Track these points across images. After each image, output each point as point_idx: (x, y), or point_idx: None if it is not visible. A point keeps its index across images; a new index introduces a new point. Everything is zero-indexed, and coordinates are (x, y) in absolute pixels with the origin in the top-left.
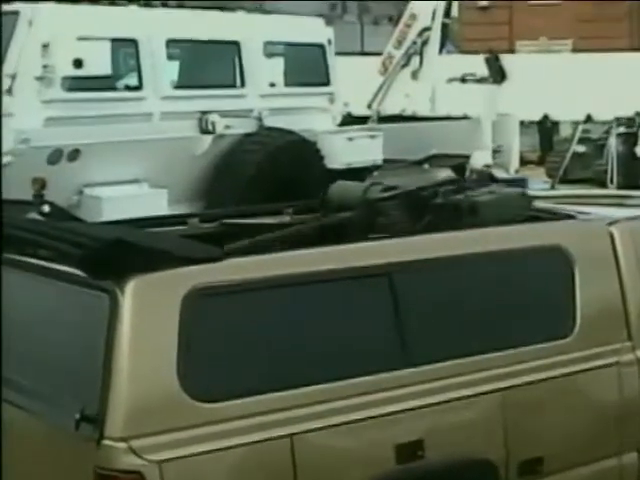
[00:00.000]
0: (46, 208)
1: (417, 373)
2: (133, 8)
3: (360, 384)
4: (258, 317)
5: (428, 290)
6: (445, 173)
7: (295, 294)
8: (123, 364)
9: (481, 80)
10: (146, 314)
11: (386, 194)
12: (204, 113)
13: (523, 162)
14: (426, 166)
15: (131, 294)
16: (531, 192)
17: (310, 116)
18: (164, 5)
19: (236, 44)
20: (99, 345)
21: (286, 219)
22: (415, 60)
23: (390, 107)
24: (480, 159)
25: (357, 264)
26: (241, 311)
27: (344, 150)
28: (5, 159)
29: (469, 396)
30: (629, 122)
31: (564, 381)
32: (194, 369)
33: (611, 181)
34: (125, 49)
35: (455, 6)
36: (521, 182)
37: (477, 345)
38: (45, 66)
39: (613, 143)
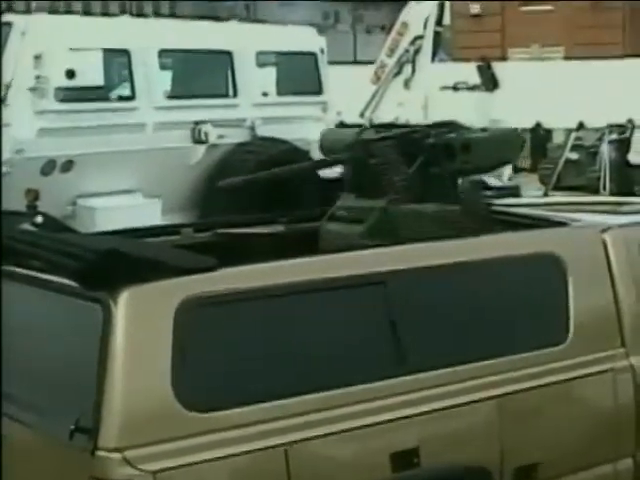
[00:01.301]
0: (39, 219)
1: (412, 381)
2: (125, 18)
3: (355, 392)
4: (252, 327)
5: (422, 298)
6: None
7: (289, 303)
8: (117, 375)
9: (473, 88)
10: (139, 325)
11: (379, 135)
12: (197, 123)
13: (516, 169)
14: None
15: (124, 305)
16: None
17: (303, 125)
18: (156, 15)
19: (228, 54)
20: (93, 356)
21: (280, 228)
22: (407, 68)
23: (383, 115)
24: None
25: (352, 272)
26: (235, 321)
27: None
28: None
29: (464, 403)
30: (622, 129)
31: (558, 388)
32: (188, 379)
33: (604, 188)
34: (118, 59)
35: (447, 14)
36: (514, 189)
37: (472, 352)
38: (38, 77)
39: (606, 150)
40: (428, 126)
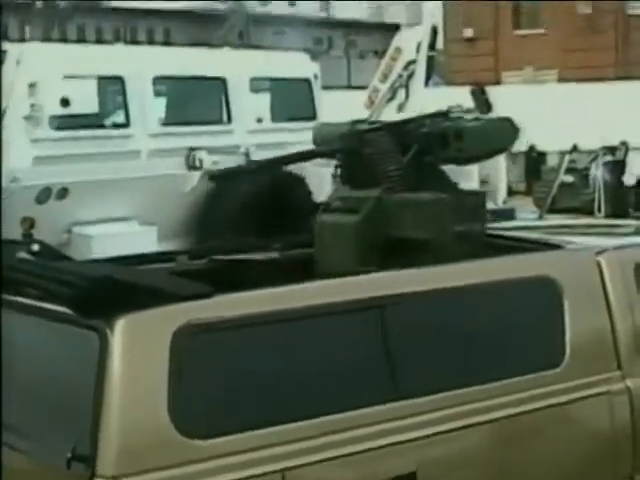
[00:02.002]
0: (35, 247)
1: (408, 406)
2: (119, 46)
3: (352, 418)
4: (249, 353)
5: (417, 323)
6: None
7: (285, 329)
8: (114, 402)
9: (467, 112)
10: (136, 352)
11: (372, 126)
12: (191, 149)
13: (511, 192)
14: None
15: (120, 332)
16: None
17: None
18: (150, 42)
19: (222, 80)
20: (90, 384)
21: (275, 255)
22: (401, 93)
23: None
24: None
25: (347, 298)
26: (231, 347)
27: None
28: None
29: (461, 427)
30: (615, 151)
31: (555, 411)
32: (185, 406)
33: (599, 210)
34: (112, 87)
35: (440, 38)
36: (509, 212)
37: (468, 376)
38: (33, 105)
39: (600, 172)
40: (421, 116)
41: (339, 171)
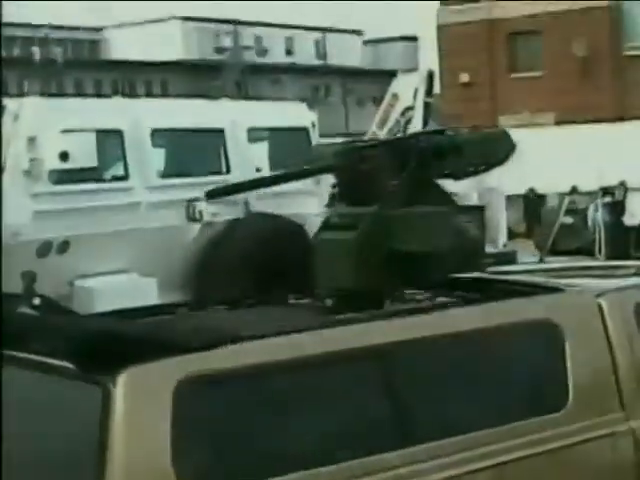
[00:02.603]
0: (37, 301)
1: (410, 453)
2: (117, 99)
3: (355, 466)
4: (252, 404)
5: (419, 369)
6: None
7: (288, 379)
8: (117, 456)
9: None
10: (138, 405)
11: (369, 142)
12: (191, 201)
13: (511, 234)
14: None
15: (123, 386)
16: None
17: (297, 199)
18: (148, 95)
19: (220, 131)
20: (93, 438)
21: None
22: None
23: None
24: None
25: (349, 346)
26: (235, 398)
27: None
28: None
29: (465, 473)
30: (614, 192)
31: (559, 454)
32: (189, 458)
33: (599, 251)
34: (111, 140)
35: (437, 83)
36: (510, 256)
37: (470, 422)
38: (32, 159)
39: (600, 213)
40: (418, 133)
41: (336, 188)
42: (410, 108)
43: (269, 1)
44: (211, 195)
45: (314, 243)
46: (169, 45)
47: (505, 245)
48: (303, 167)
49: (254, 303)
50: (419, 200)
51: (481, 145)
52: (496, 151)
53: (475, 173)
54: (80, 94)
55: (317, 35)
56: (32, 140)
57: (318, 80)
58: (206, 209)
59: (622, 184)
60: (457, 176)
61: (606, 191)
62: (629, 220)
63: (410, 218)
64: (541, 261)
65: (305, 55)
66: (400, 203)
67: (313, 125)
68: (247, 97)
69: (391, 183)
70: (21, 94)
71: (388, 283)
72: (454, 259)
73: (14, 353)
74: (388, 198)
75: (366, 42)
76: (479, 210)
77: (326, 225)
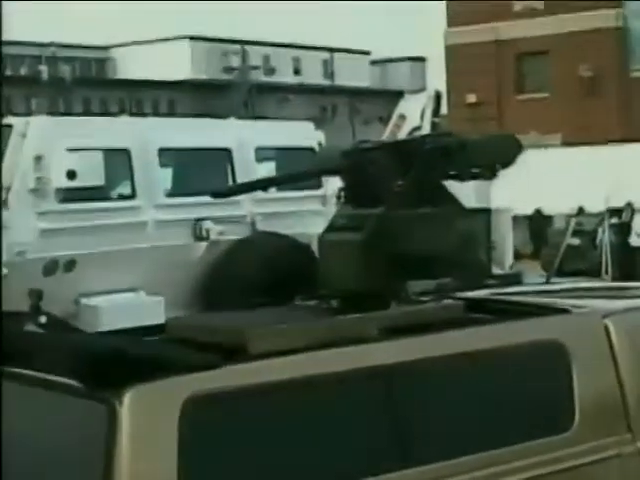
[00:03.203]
0: (43, 319)
1: (416, 474)
2: (124, 118)
3: None
4: (258, 423)
5: (425, 390)
6: None
7: (295, 398)
8: (123, 474)
9: (474, 177)
10: (144, 423)
11: (374, 144)
12: (198, 220)
13: (517, 256)
14: None
15: (129, 404)
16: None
17: (303, 219)
18: (155, 114)
19: (228, 150)
20: (99, 456)
21: None
22: None
23: None
24: None
25: (356, 366)
26: (241, 417)
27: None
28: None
29: None
30: (621, 213)
31: (565, 475)
32: (195, 477)
33: (606, 272)
34: (118, 159)
35: (444, 104)
36: (517, 277)
37: (476, 443)
38: (39, 178)
39: (606, 234)
40: (424, 135)
41: (342, 190)
42: (417, 128)
43: (277, 20)
44: (218, 195)
45: (319, 243)
46: (177, 64)
47: (511, 266)
48: (309, 168)
49: (260, 304)
50: (425, 201)
51: (487, 147)
52: (502, 153)
53: (482, 176)
54: (87, 113)
55: (325, 55)
56: (39, 159)
57: (325, 100)
58: (213, 228)
59: (629, 205)
60: (463, 178)
61: (613, 212)
62: (635, 241)
63: (416, 219)
64: (548, 282)
65: (313, 75)
66: (406, 204)
67: (320, 145)
68: (254, 116)
69: (397, 184)
70: (28, 113)
71: (394, 285)
72: (459, 260)
73: (20, 371)
74: (394, 199)
75: (373, 62)
76: (485, 213)
77: (332, 226)
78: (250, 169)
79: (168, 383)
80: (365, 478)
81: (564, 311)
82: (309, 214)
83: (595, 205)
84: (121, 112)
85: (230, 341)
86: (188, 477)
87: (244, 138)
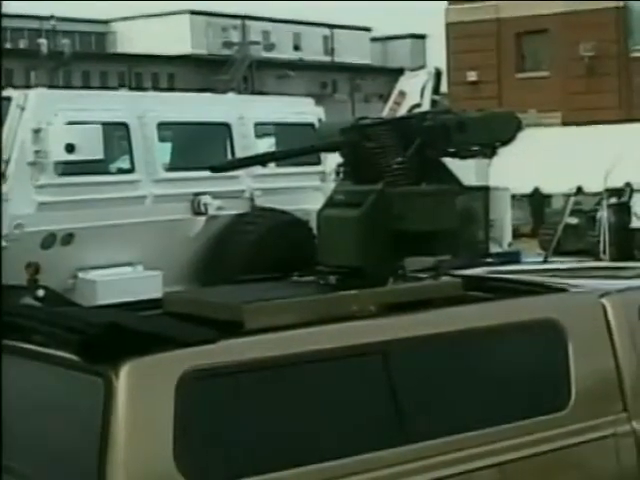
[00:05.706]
0: (41, 292)
1: (411, 450)
2: (124, 92)
3: (356, 462)
4: (255, 398)
5: (421, 367)
6: None
7: (291, 374)
8: (119, 447)
9: (473, 155)
10: (141, 397)
11: (374, 121)
12: (196, 195)
13: (516, 235)
14: None
15: (126, 378)
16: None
17: (302, 195)
18: (155, 88)
19: (227, 125)
20: (95, 429)
21: None
22: None
23: None
24: None
25: (353, 342)
26: (237, 392)
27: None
28: None
29: (465, 472)
30: (620, 193)
31: (561, 454)
32: (191, 452)
33: (604, 252)
34: (117, 133)
35: (444, 82)
36: (515, 255)
37: (472, 420)
38: (37, 151)
39: (605, 214)
40: (424, 112)
41: (341, 166)
42: (417, 106)
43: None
44: (217, 169)
45: (317, 219)
46: (177, 39)
47: (510, 245)
48: (309, 144)
49: (258, 279)
50: (424, 178)
51: (487, 124)
52: (502, 130)
53: (480, 152)
54: (87, 86)
55: (325, 31)
56: (37, 132)
57: (325, 76)
58: (212, 203)
59: (628, 185)
60: (462, 155)
61: (612, 192)
62: (634, 221)
63: (415, 196)
64: (545, 261)
65: (313, 51)
66: (405, 181)
67: (320, 121)
68: (254, 92)
69: (396, 161)
70: (28, 86)
71: (391, 261)
72: (458, 238)
73: (17, 344)
74: (393, 176)
75: (374, 39)
76: (484, 190)
77: (330, 202)
78: (249, 144)
79: (165, 357)
80: (362, 453)
81: (561, 290)
82: (308, 190)
83: (594, 185)
84: (121, 86)
85: (227, 316)
86: (184, 450)
87: (243, 113)
